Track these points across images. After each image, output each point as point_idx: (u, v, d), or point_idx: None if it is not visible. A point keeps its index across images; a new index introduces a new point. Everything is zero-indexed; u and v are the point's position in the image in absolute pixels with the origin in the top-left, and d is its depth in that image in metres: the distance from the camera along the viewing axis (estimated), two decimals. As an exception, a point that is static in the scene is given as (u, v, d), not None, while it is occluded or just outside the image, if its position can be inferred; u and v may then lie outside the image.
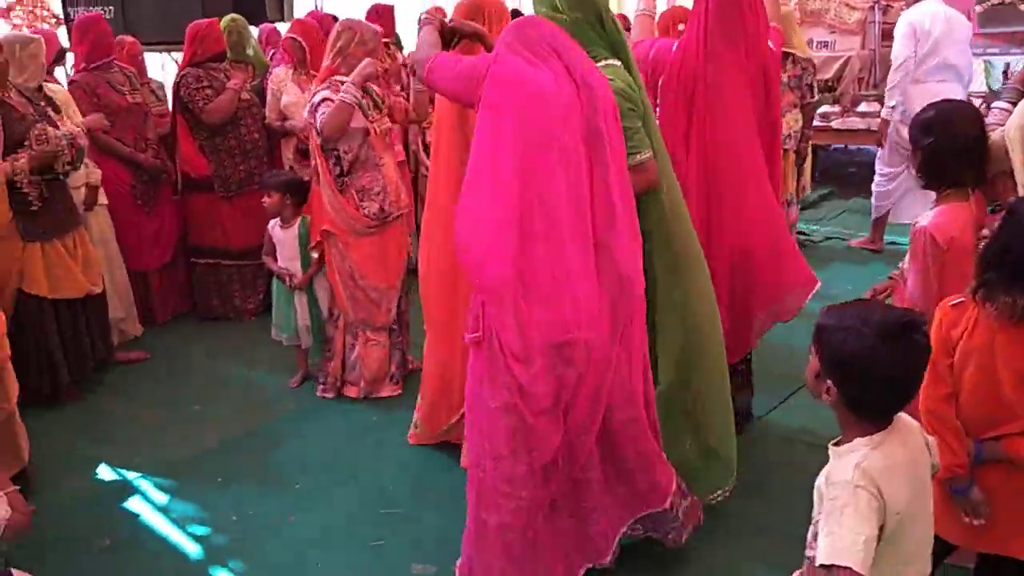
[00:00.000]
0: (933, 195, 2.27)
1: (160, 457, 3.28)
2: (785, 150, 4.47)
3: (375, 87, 3.48)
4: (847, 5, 6.95)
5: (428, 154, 5.05)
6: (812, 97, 5.03)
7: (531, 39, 2.12)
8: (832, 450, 1.58)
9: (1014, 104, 2.25)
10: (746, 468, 2.92)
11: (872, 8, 6.88)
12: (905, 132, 4.91)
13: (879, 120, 5.35)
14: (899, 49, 4.96)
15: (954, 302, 1.89)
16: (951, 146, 2.18)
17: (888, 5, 7.41)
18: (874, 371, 1.46)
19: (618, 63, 2.36)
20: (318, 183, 3.46)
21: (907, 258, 2.31)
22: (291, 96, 4.47)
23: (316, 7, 8.17)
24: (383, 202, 3.45)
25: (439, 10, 3.02)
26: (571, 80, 2.08)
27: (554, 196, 2.03)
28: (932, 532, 1.60)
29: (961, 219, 2.18)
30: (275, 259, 3.74)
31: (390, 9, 5.88)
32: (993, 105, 2.37)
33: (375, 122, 3.41)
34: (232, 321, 4.67)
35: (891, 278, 2.50)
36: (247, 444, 3.39)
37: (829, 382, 1.52)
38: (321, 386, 3.71)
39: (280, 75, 4.55)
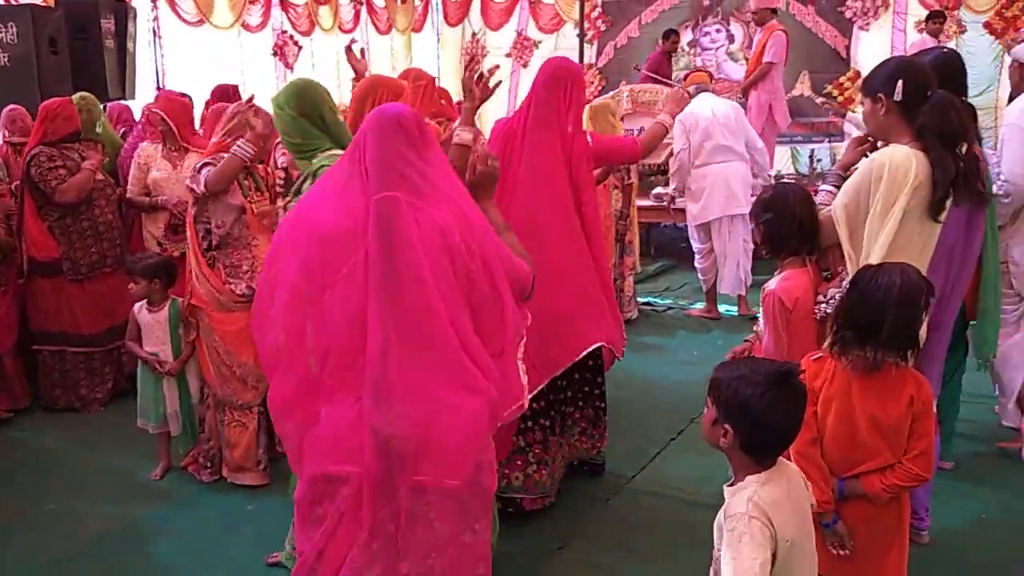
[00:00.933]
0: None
1: (10, 568, 3.00)
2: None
3: (259, 169, 3.50)
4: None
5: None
6: (629, 179, 5.57)
7: (355, 146, 2.05)
8: (727, 490, 1.77)
9: (838, 187, 2.63)
10: (633, 529, 3.10)
11: (672, 97, 7.56)
12: (696, 210, 5.61)
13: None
14: (675, 144, 5.73)
15: (815, 356, 2.17)
16: (788, 221, 2.52)
17: (687, 92, 8.22)
18: (765, 414, 1.67)
19: (340, 151, 2.46)
20: (189, 253, 3.45)
21: (761, 318, 2.61)
22: (162, 172, 4.39)
23: (158, 85, 8.02)
24: (251, 281, 3.39)
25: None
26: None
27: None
28: (816, 565, 1.81)
29: (803, 283, 2.51)
30: (140, 344, 3.58)
31: (235, 88, 5.92)
32: (820, 188, 2.74)
33: (254, 202, 3.40)
34: (77, 412, 4.36)
35: (747, 341, 2.81)
36: (111, 545, 3.15)
37: (727, 427, 1.71)
38: (206, 471, 3.55)
39: (148, 150, 4.46)
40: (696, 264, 5.93)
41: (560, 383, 3.17)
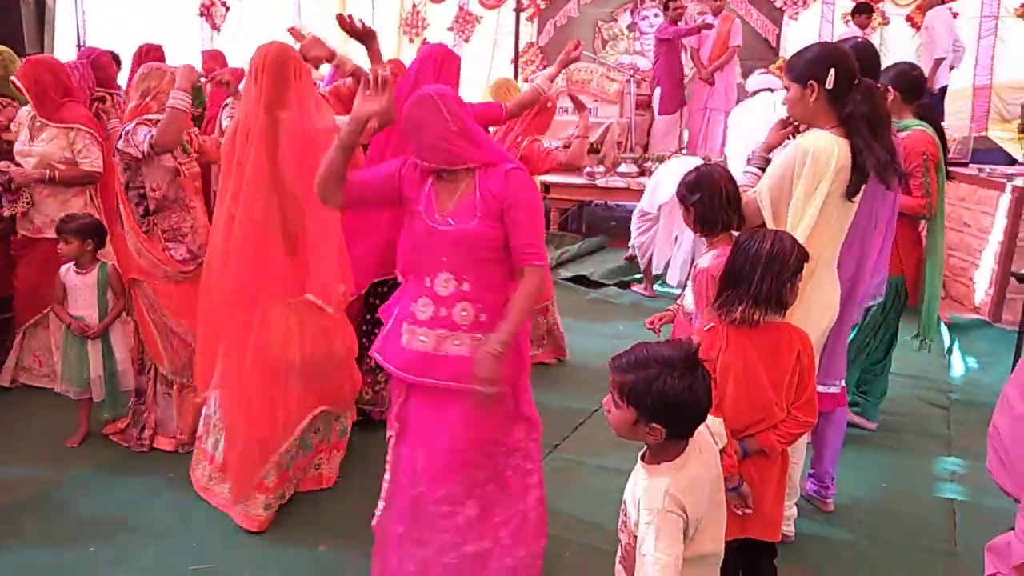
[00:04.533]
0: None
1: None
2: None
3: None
4: (607, 77, 7.75)
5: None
6: None
7: None
8: (643, 466, 1.80)
9: (762, 169, 2.72)
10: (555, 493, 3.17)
11: (628, 81, 7.72)
12: (650, 194, 5.70)
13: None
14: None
15: (706, 327, 2.26)
16: (717, 197, 2.58)
17: (642, 79, 8.37)
18: (690, 402, 1.70)
19: None
20: (122, 228, 3.31)
21: (686, 293, 2.69)
22: (22, 142, 3.90)
23: (79, 41, 7.70)
24: (191, 244, 3.35)
25: None
26: None
27: None
28: (724, 519, 1.89)
29: None
30: (65, 307, 3.47)
31: (159, 48, 5.72)
32: (744, 170, 2.82)
33: (183, 165, 3.32)
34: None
35: (668, 310, 2.89)
36: (30, 506, 3.08)
37: (654, 424, 1.71)
38: (137, 442, 3.47)
39: (23, 114, 3.98)
40: (634, 241, 6.01)
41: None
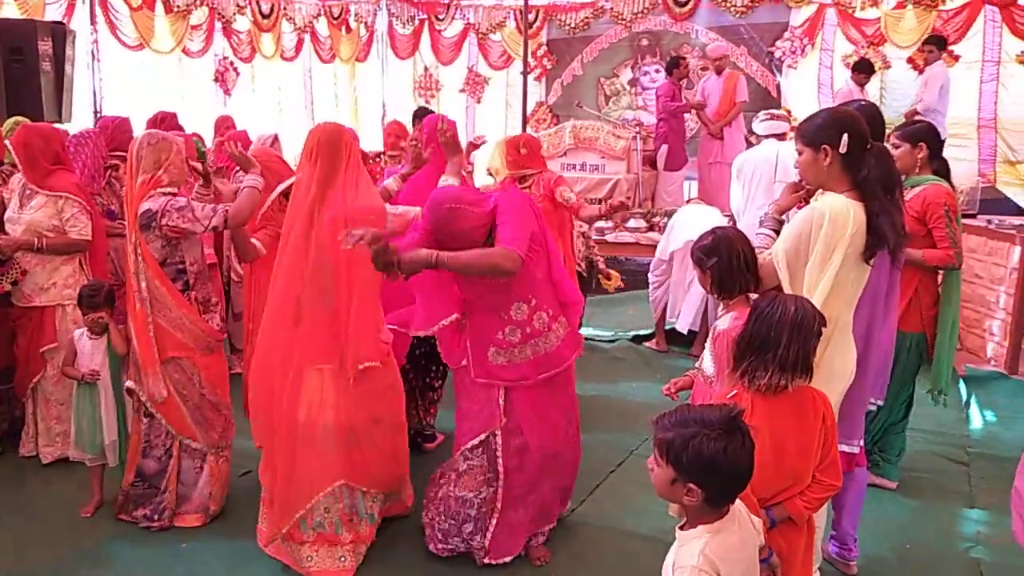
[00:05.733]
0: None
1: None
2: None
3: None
4: (614, 135, 7.85)
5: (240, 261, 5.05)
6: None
7: None
8: (679, 534, 1.81)
9: (776, 231, 2.75)
10: (574, 561, 3.14)
11: (634, 138, 7.82)
12: (664, 241, 5.75)
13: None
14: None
15: (730, 395, 2.25)
16: (735, 262, 2.59)
17: (648, 135, 8.49)
18: (729, 464, 1.71)
19: None
20: (142, 306, 3.24)
21: (704, 357, 2.68)
22: (11, 209, 3.91)
23: (96, 109, 7.86)
24: (221, 312, 3.40)
25: None
26: None
27: None
28: None
29: None
30: (74, 367, 3.47)
31: (174, 115, 5.85)
32: (757, 232, 2.84)
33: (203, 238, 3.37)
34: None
35: (687, 375, 2.87)
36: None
37: (691, 485, 1.72)
38: (155, 523, 3.38)
39: (15, 181, 3.99)
40: (650, 294, 6.00)
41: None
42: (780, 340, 2.13)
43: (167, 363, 3.29)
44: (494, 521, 3.08)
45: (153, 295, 3.24)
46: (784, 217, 2.79)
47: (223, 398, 3.43)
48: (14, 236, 3.79)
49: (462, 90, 11.45)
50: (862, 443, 2.91)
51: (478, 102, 11.36)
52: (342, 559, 3.06)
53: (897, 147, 3.44)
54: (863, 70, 8.18)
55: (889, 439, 3.78)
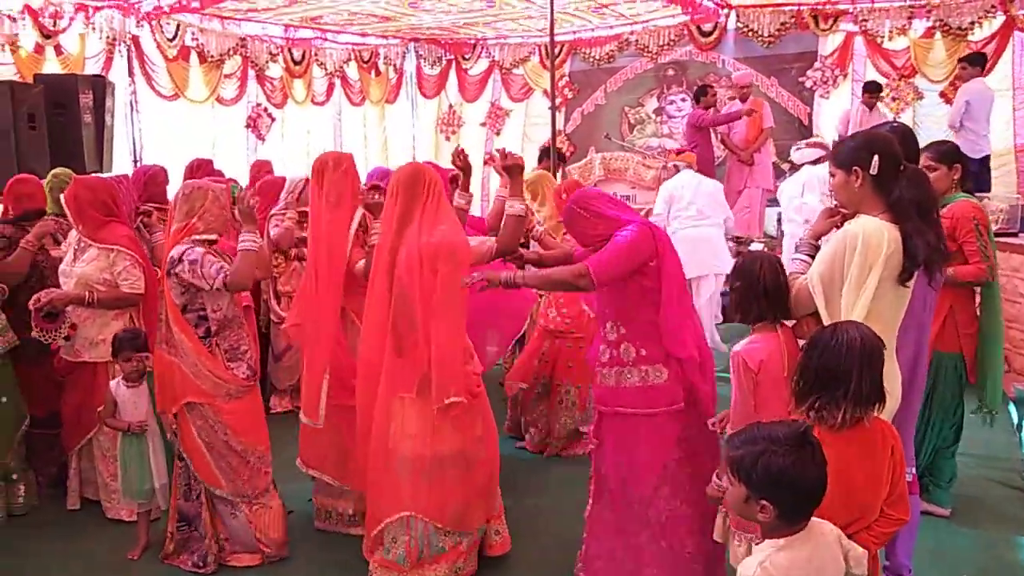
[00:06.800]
0: None
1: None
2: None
3: (222, 248, 3.42)
4: (644, 165, 7.88)
5: (279, 303, 5.12)
6: None
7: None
8: (754, 547, 1.83)
9: (811, 255, 2.73)
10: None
11: (664, 167, 7.83)
12: None
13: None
14: (656, 207, 6.25)
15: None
16: (754, 288, 2.59)
17: (676, 166, 8.48)
18: (799, 479, 1.71)
19: None
20: (168, 352, 3.30)
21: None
22: (65, 262, 3.91)
23: (135, 158, 8.07)
24: (250, 360, 3.38)
25: None
26: None
27: None
28: None
29: (770, 346, 2.56)
30: (116, 418, 3.52)
31: (209, 163, 5.99)
32: (793, 257, 2.83)
33: None
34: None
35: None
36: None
37: (764, 502, 1.73)
38: (202, 569, 3.37)
39: (72, 235, 3.97)
40: None
41: None
42: (851, 374, 2.06)
43: (188, 409, 3.31)
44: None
45: (175, 340, 3.28)
46: (820, 242, 2.77)
47: (251, 445, 3.38)
48: (66, 290, 3.76)
49: (483, 124, 11.58)
50: (914, 471, 2.85)
51: (497, 135, 11.48)
52: None
53: (934, 169, 3.41)
54: (870, 90, 8.25)
55: (939, 464, 3.69)
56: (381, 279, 3.09)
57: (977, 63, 7.51)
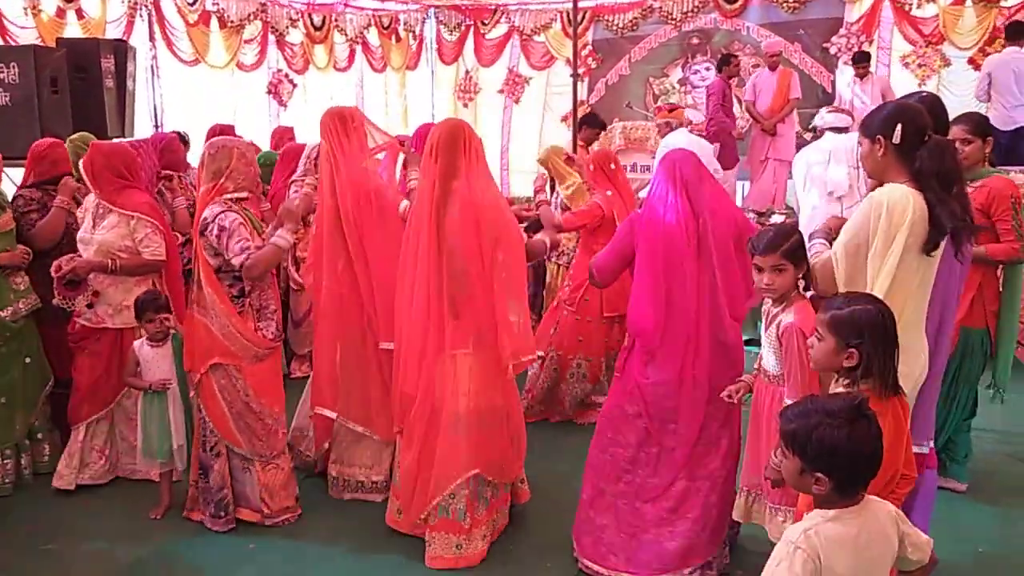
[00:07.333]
0: None
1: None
2: (558, 264, 5.30)
3: (252, 208, 3.46)
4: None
5: (298, 269, 5.15)
6: None
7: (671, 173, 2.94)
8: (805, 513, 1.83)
9: (827, 239, 2.72)
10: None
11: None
12: None
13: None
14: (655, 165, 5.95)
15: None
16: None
17: (698, 133, 8.39)
18: (854, 451, 1.71)
19: None
20: (198, 312, 3.33)
21: (764, 355, 2.65)
22: (84, 229, 3.86)
23: (155, 123, 8.09)
24: (277, 320, 3.43)
25: None
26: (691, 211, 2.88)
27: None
28: None
29: (812, 313, 2.53)
30: (138, 376, 3.57)
31: (231, 128, 6.01)
32: (809, 244, 2.76)
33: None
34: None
35: (741, 381, 2.80)
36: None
37: (818, 474, 1.73)
38: (220, 520, 3.44)
39: (90, 200, 3.92)
40: None
41: None
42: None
43: (212, 369, 3.34)
44: None
45: (206, 300, 3.31)
46: (832, 236, 2.75)
47: (268, 407, 3.42)
48: (88, 258, 3.74)
49: (500, 91, 11.46)
50: (932, 443, 2.83)
51: (516, 103, 11.36)
52: (458, 547, 3.14)
53: (969, 142, 3.35)
54: (859, 60, 8.20)
55: (955, 439, 3.67)
56: (429, 234, 3.06)
57: (1013, 36, 7.32)
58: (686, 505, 2.94)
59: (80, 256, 3.76)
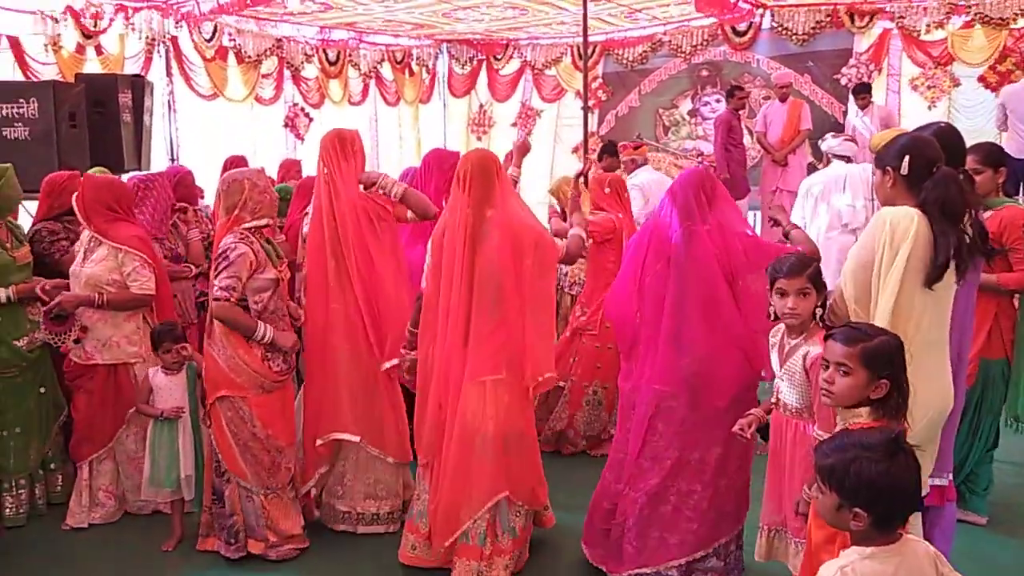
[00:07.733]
0: None
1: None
2: (572, 295, 5.27)
3: (272, 236, 3.49)
4: (676, 165, 7.84)
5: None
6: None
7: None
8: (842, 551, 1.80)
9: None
10: None
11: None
12: None
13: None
14: (634, 207, 5.83)
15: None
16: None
17: (709, 164, 8.43)
18: (893, 485, 1.68)
19: None
20: (207, 343, 3.35)
21: (781, 388, 2.63)
22: (76, 262, 3.82)
23: (172, 157, 8.20)
24: (291, 358, 3.43)
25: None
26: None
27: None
28: None
29: None
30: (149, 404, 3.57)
31: (244, 159, 6.08)
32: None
33: (281, 273, 3.40)
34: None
35: (751, 414, 2.73)
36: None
37: (856, 510, 1.69)
38: (231, 547, 3.41)
39: (85, 234, 3.85)
40: None
41: None
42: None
43: (220, 401, 3.34)
44: None
45: (215, 331, 3.33)
46: None
47: (276, 438, 3.41)
48: (75, 292, 3.67)
49: (513, 124, 11.60)
50: (951, 476, 2.79)
51: (528, 135, 11.47)
52: (479, 574, 3.10)
53: (979, 172, 3.35)
54: (859, 92, 8.19)
55: (976, 471, 3.62)
56: (460, 262, 3.07)
57: None
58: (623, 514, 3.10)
59: (67, 291, 3.69)
